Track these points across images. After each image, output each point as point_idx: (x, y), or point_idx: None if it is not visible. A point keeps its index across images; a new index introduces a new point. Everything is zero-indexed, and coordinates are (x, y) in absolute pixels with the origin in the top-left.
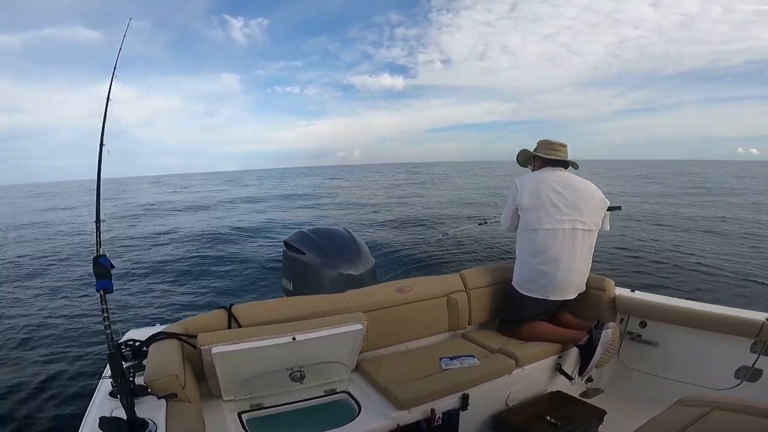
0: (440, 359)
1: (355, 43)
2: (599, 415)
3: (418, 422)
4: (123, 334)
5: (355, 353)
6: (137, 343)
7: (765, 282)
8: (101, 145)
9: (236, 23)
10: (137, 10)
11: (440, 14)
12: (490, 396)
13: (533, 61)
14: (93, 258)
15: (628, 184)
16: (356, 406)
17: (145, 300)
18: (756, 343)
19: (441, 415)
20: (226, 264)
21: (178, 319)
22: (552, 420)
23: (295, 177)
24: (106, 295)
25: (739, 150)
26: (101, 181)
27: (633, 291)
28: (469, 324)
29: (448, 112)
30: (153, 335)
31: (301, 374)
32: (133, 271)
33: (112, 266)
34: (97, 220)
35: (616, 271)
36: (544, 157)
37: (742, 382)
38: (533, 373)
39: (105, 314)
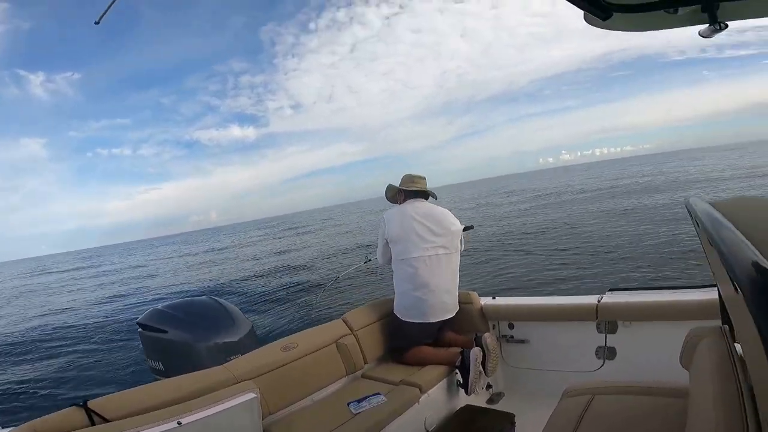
0: (348, 404)
1: (196, 95)
2: (510, 419)
3: None
4: None
5: (257, 421)
6: None
7: (596, 263)
8: None
9: (35, 79)
10: None
11: (286, 59)
12: (409, 427)
13: (377, 98)
14: None
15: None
16: None
17: None
18: (599, 324)
19: None
20: (72, 356)
21: (22, 421)
22: None
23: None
24: None
25: (540, 161)
26: None
27: (494, 298)
28: (365, 363)
29: (304, 158)
30: None
31: None
32: None
33: None
34: None
35: (475, 282)
36: (406, 190)
37: (604, 362)
38: (439, 395)
39: None
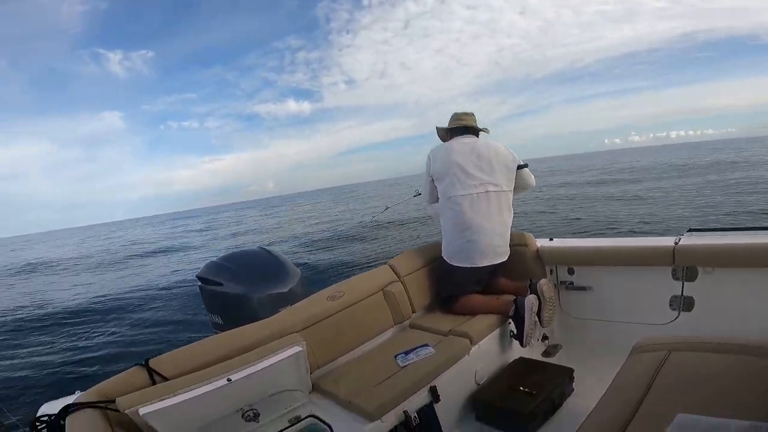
0: (395, 356)
1: (256, 71)
2: (568, 373)
3: (395, 428)
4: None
5: (305, 375)
6: (52, 418)
7: (673, 202)
8: None
9: (114, 57)
10: None
11: (340, 36)
12: (458, 380)
13: (429, 75)
14: None
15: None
16: (327, 427)
17: (53, 368)
18: (675, 269)
19: (416, 415)
20: (141, 315)
21: (95, 383)
22: (525, 389)
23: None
24: None
25: (606, 141)
26: None
27: (551, 240)
28: (413, 312)
29: (357, 132)
30: (66, 407)
31: (254, 413)
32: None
33: None
34: None
35: (530, 222)
36: (453, 128)
37: (680, 313)
38: (491, 347)
39: None
